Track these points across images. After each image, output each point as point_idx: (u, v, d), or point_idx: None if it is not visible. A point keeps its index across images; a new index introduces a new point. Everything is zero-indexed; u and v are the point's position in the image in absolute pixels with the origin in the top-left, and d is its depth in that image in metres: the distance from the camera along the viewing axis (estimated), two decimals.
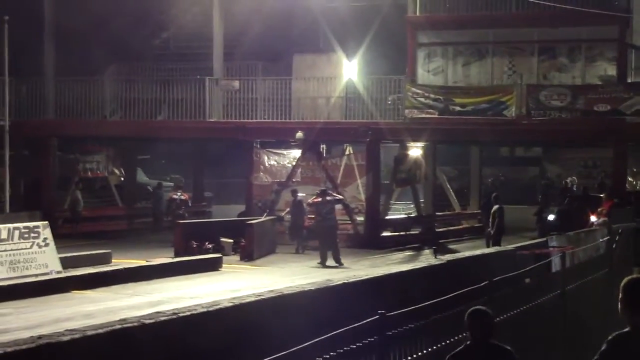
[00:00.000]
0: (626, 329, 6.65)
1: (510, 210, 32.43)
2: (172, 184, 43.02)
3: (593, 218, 28.64)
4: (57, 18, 38.84)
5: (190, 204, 37.70)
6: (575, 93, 32.76)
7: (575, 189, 40.66)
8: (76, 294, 21.58)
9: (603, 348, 6.62)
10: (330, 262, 28.16)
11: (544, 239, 21.42)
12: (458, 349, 7.98)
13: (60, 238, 28.30)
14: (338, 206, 34.22)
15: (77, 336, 9.32)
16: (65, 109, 38.50)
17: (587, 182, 43.63)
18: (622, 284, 6.75)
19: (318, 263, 28.24)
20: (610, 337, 6.65)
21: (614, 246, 16.94)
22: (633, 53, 35.08)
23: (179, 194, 36.17)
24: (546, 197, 36.19)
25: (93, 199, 41.62)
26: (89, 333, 9.46)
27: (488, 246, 28.24)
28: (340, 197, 32.01)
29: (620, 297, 6.69)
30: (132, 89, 38.38)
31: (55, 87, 38.58)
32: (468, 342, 7.90)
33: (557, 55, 35.47)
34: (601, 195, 31.06)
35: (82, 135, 39.59)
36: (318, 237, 29.65)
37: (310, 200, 30.95)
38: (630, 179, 39.69)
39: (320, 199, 29.34)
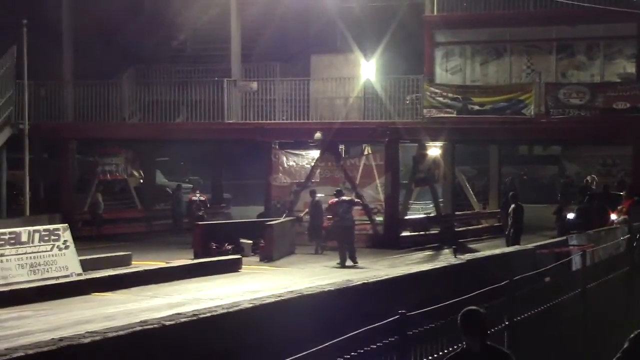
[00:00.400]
0: None
1: (529, 209, 32.33)
2: (191, 185, 43.09)
3: (613, 216, 28.55)
4: (75, 21, 38.93)
5: (209, 205, 37.69)
6: (594, 91, 32.64)
7: (595, 187, 40.47)
8: (96, 296, 21.66)
9: (626, 346, 6.61)
10: (360, 262, 28.29)
11: (564, 237, 21.34)
12: (454, 353, 7.71)
13: (80, 240, 28.37)
14: (358, 207, 34.32)
15: (97, 338, 9.34)
16: (83, 111, 38.57)
17: (606, 180, 43.44)
18: None
19: (337, 263, 28.27)
20: (632, 335, 6.63)
21: (634, 244, 16.86)
22: None
23: (197, 195, 36.19)
24: (565, 195, 36.08)
25: (112, 201, 41.69)
26: (110, 335, 9.48)
27: (508, 245, 28.17)
28: (357, 200, 31.99)
29: None
30: (150, 91, 38.44)
31: (74, 90, 38.67)
32: (464, 345, 7.56)
33: (576, 53, 35.35)
34: (621, 194, 30.91)
35: (101, 138, 39.70)
36: (335, 237, 29.73)
37: (329, 202, 31.05)
38: None
39: (336, 199, 29.47)
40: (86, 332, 9.63)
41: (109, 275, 23.47)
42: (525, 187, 47.30)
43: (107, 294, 21.84)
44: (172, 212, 40.35)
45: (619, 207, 28.52)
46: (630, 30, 34.30)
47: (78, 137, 39.04)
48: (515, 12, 35.50)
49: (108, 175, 41.22)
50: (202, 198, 36.08)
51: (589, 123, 32.69)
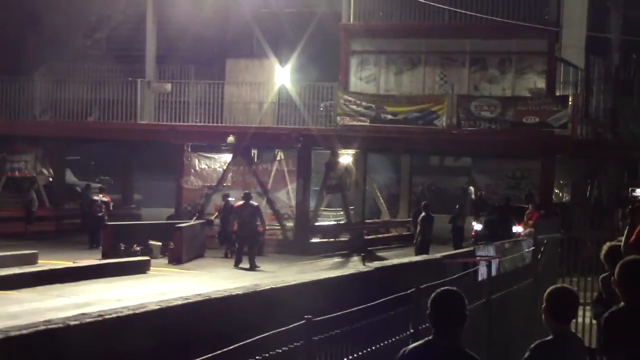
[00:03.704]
0: (549, 337, 6.76)
1: (438, 219, 32.66)
2: (100, 185, 42.60)
3: (519, 228, 29.02)
4: None
5: (112, 207, 37.23)
6: (505, 104, 33.13)
7: (479, 197, 41.59)
8: (1, 295, 21.30)
9: (526, 356, 6.72)
10: (269, 267, 28.37)
11: (466, 248, 21.68)
12: (415, 345, 6.60)
13: None
14: (269, 211, 34.39)
15: (0, 337, 9.21)
16: None
17: (514, 192, 44.06)
18: (546, 293, 6.87)
19: (245, 267, 28.37)
20: (533, 345, 6.75)
21: (539, 256, 17.14)
22: (562, 66, 35.58)
23: (100, 196, 35.96)
24: (462, 207, 36.56)
25: (20, 199, 41.01)
26: (13, 334, 9.35)
27: (417, 254, 28.44)
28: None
29: (544, 306, 6.81)
30: (63, 89, 38.01)
31: None
32: (430, 338, 6.45)
33: (488, 66, 35.83)
34: (526, 206, 31.40)
35: (11, 135, 39.06)
36: (237, 240, 29.82)
37: (235, 204, 31.10)
38: (556, 191, 40.18)
39: (242, 202, 29.57)
40: None
41: (14, 274, 23.05)
42: (437, 197, 47.68)
43: (12, 293, 21.49)
44: (81, 212, 39.83)
45: (526, 220, 28.96)
46: (541, 47, 34.88)
47: None
48: (430, 24, 35.88)
49: (17, 173, 40.56)
50: (104, 199, 35.75)
51: (499, 136, 33.18)
